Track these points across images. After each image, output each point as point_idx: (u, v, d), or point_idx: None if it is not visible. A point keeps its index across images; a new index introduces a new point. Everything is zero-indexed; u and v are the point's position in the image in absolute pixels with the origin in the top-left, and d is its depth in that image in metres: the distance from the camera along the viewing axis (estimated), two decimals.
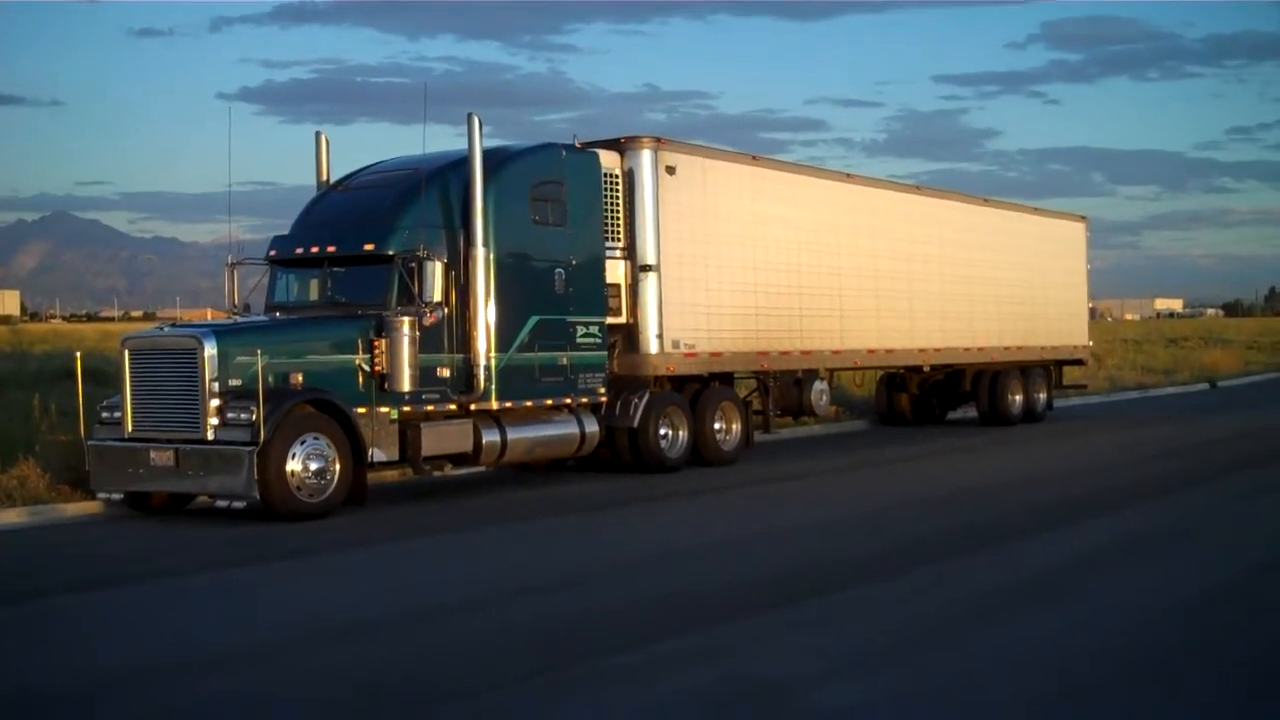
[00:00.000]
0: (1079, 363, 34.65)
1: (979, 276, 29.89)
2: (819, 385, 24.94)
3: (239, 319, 18.69)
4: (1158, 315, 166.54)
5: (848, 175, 26.47)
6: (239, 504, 15.78)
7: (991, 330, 30.25)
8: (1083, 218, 35.10)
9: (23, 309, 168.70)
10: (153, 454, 16.20)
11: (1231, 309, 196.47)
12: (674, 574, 12.62)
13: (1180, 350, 67.36)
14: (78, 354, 17.59)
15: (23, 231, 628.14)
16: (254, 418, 15.65)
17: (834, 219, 25.37)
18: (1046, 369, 32.65)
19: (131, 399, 16.56)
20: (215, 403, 15.95)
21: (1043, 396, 32.19)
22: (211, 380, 15.97)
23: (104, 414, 17.01)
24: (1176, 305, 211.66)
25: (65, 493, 17.39)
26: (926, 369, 29.38)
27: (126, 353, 16.71)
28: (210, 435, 15.93)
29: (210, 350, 16.04)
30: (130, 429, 16.54)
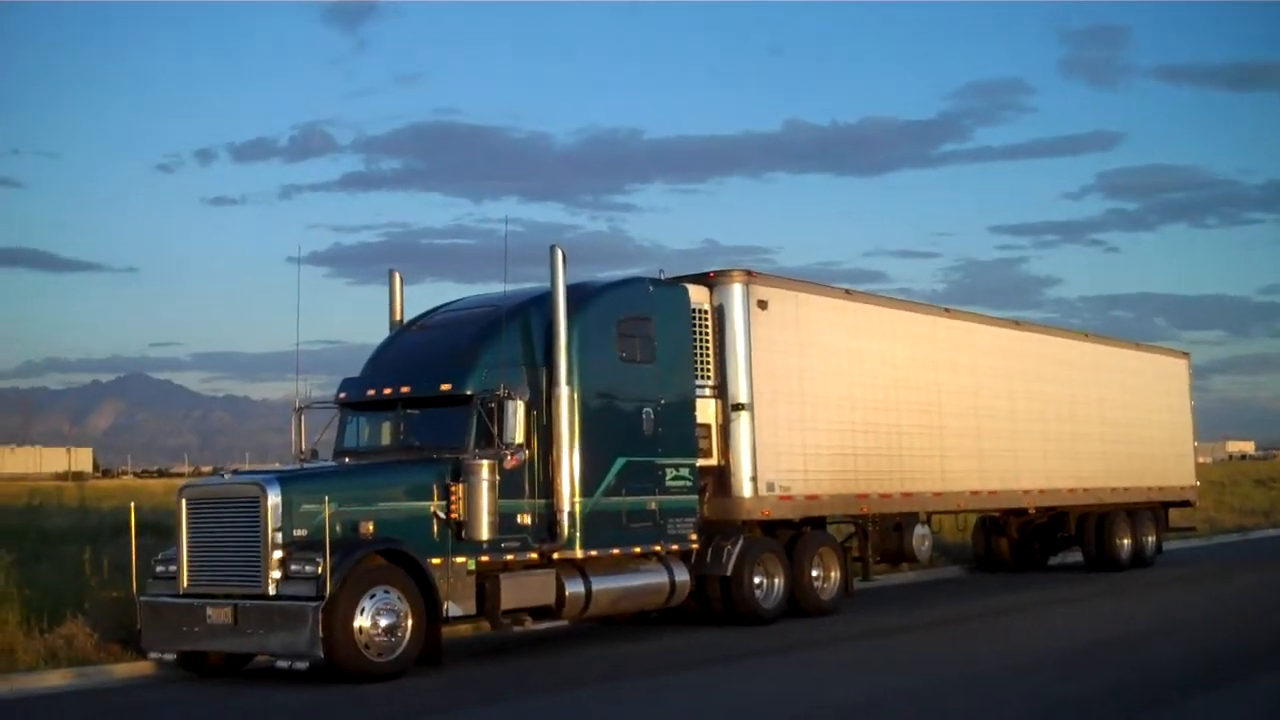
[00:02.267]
0: (1186, 504, 32.79)
1: (1082, 414, 28.33)
2: (920, 530, 23.33)
3: (305, 465, 17.46)
4: (1230, 457, 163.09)
5: (945, 310, 25.15)
6: (301, 665, 14.36)
7: (1097, 470, 28.56)
8: (1185, 354, 33.51)
9: (95, 466, 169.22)
10: (209, 611, 14.87)
11: None
12: None
13: (1273, 490, 65.30)
14: (132, 504, 16.36)
15: (98, 392, 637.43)
16: (320, 570, 14.32)
17: (932, 354, 23.99)
18: (1154, 510, 30.82)
19: (188, 551, 15.27)
20: (278, 554, 14.64)
21: (1151, 540, 30.32)
22: (275, 530, 14.68)
23: (158, 568, 15.72)
24: (1248, 447, 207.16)
25: (115, 652, 16.13)
26: (1031, 511, 27.66)
27: (183, 502, 15.47)
28: (272, 589, 14.60)
29: (274, 498, 14.77)
30: (186, 584, 15.23)
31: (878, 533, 22.79)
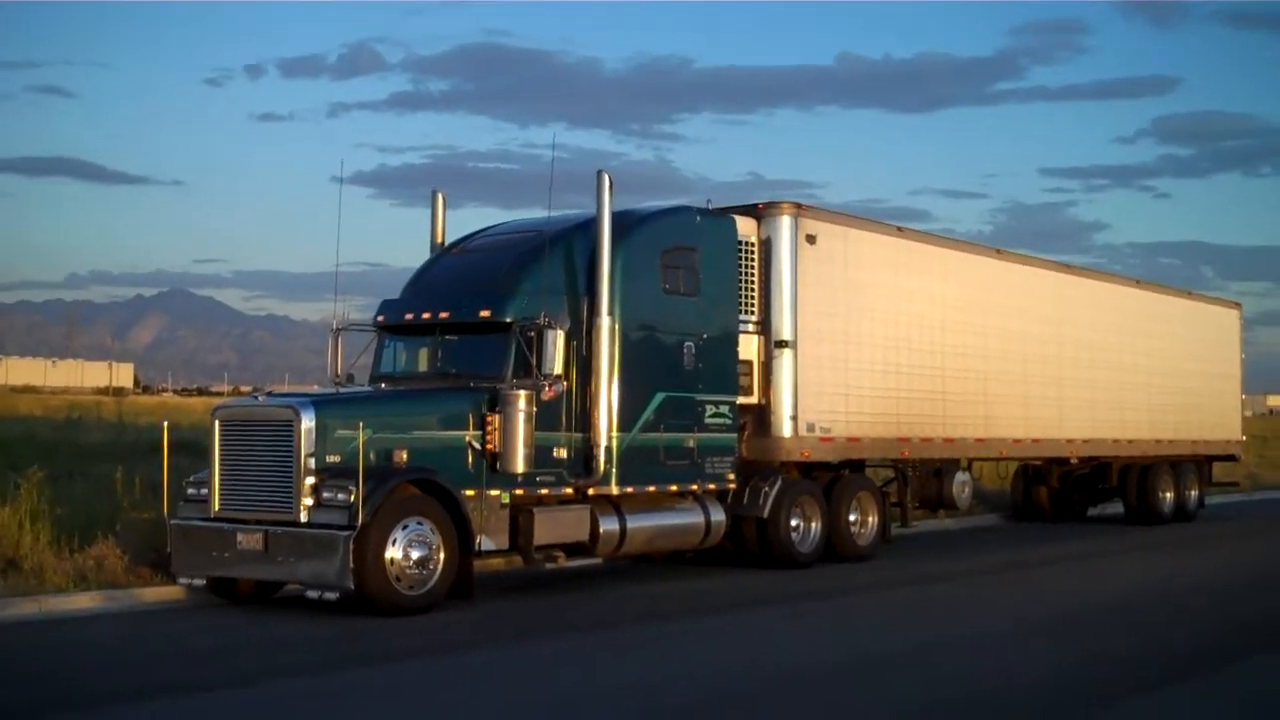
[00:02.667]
0: (1231, 458, 32.24)
1: (1130, 363, 27.77)
2: (961, 476, 22.93)
3: (341, 389, 17.19)
4: (1270, 412, 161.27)
5: (996, 251, 24.61)
6: (331, 595, 14.12)
7: (1142, 421, 28.03)
8: (1237, 304, 32.84)
9: (136, 382, 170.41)
10: (240, 536, 14.63)
11: None
12: (839, 696, 10.76)
13: None
14: (165, 424, 16.11)
15: (140, 306, 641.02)
16: (352, 498, 14.04)
17: (980, 297, 23.47)
18: (1198, 464, 30.30)
19: (220, 474, 15.03)
20: (310, 480, 14.37)
21: (1194, 494, 29.82)
22: (308, 455, 14.41)
23: (190, 490, 15.48)
24: None
25: (145, 576, 15.89)
26: (1074, 461, 27.19)
27: (216, 423, 15.21)
28: (304, 516, 14.34)
29: (308, 422, 14.49)
30: (217, 507, 15.00)
31: (917, 478, 22.39)
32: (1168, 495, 28.62)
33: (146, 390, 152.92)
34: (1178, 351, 29.57)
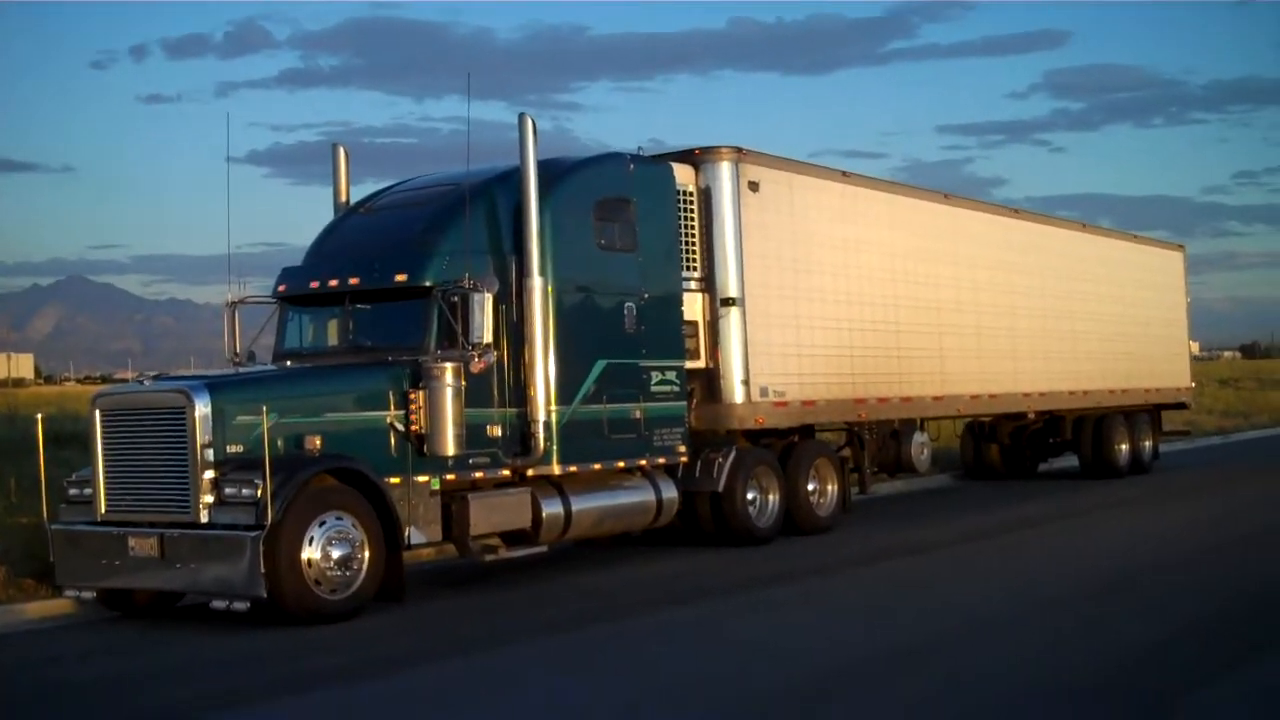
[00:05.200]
0: (1181, 406, 31.15)
1: (1082, 310, 26.48)
2: (919, 437, 21.44)
3: (241, 370, 15.27)
4: None
5: (945, 196, 23.07)
6: (240, 605, 12.28)
7: (1095, 371, 26.76)
8: (1180, 246, 31.70)
9: (37, 372, 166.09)
10: (131, 541, 12.73)
11: (1249, 351, 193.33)
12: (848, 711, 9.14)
13: (1241, 391, 64.53)
14: (39, 416, 14.09)
15: (37, 296, 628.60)
16: (259, 493, 12.19)
17: (931, 245, 21.96)
18: (1150, 414, 29.12)
19: (105, 472, 13.11)
20: (210, 475, 12.49)
21: (1148, 444, 28.61)
22: (204, 446, 12.52)
23: (71, 491, 13.55)
24: (1193, 348, 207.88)
25: (28, 589, 13.98)
26: (1030, 415, 25.83)
27: (97, 413, 13.26)
28: (204, 517, 12.47)
29: (202, 408, 12.60)
30: (104, 510, 13.09)
31: (874, 441, 20.87)
32: (1123, 447, 27.39)
33: (48, 380, 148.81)
34: (1128, 297, 28.43)
